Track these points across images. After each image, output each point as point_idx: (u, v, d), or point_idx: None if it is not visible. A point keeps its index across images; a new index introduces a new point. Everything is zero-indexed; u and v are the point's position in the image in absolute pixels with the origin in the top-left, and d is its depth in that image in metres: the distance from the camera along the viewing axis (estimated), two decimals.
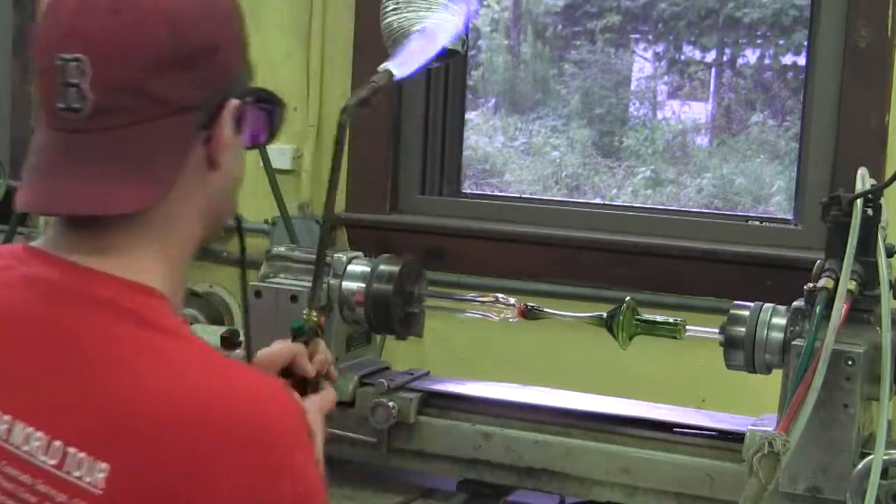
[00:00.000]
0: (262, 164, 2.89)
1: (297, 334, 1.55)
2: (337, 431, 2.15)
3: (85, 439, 1.12)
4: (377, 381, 2.11)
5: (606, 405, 2.09)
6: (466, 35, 2.34)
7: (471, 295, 2.19)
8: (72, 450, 1.12)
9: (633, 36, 3.54)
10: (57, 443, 1.13)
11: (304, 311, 1.57)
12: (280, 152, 2.94)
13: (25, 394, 1.16)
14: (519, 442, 2.03)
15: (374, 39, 2.46)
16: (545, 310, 2.08)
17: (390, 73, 1.68)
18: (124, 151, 1.19)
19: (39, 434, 1.14)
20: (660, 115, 3.65)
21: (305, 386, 1.52)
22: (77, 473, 1.11)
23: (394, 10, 2.24)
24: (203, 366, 1.17)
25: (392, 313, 2.12)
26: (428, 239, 2.81)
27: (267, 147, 3.10)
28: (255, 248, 2.98)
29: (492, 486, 2.08)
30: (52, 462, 1.13)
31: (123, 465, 1.11)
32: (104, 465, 1.11)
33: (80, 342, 1.16)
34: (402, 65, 1.70)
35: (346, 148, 1.46)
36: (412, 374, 2.20)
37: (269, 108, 1.32)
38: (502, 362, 2.67)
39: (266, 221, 2.99)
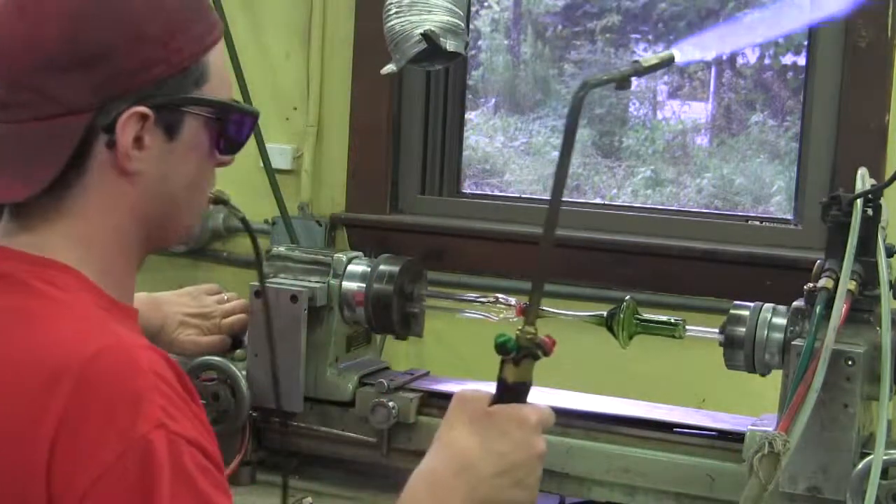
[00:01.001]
0: (262, 164, 2.89)
1: (503, 350, 1.34)
2: (337, 431, 2.15)
3: None
4: (377, 381, 2.11)
5: (606, 405, 2.09)
6: (467, 35, 2.34)
7: (471, 295, 2.20)
8: None
9: (633, 36, 3.54)
10: None
11: (519, 328, 1.34)
12: (280, 152, 2.94)
13: None
14: None
15: (374, 40, 2.47)
16: (545, 309, 2.08)
17: (671, 57, 1.43)
18: (9, 146, 1.22)
19: None
20: (660, 115, 3.65)
21: (503, 392, 1.33)
22: None
23: (396, 13, 2.25)
24: (64, 322, 1.19)
25: (392, 313, 2.12)
26: (428, 239, 2.81)
27: (266, 147, 3.12)
28: None
29: None
30: None
31: None
32: None
33: None
34: (699, 47, 1.48)
35: (575, 133, 1.31)
36: (412, 374, 2.20)
37: (216, 116, 1.31)
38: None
39: (266, 221, 2.98)
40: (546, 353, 1.35)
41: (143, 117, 1.24)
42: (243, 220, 1.71)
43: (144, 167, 1.26)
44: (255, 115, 1.37)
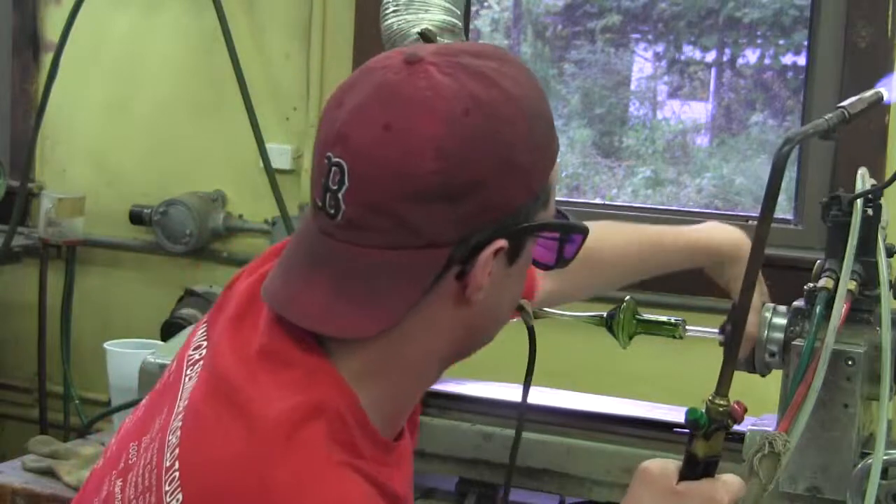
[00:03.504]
0: (262, 164, 2.89)
1: (695, 427, 1.27)
2: None
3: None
4: None
5: (606, 405, 2.09)
6: (466, 35, 2.34)
7: None
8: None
9: (633, 36, 3.54)
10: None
11: (710, 398, 1.30)
12: (280, 152, 2.95)
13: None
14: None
15: (374, 40, 2.47)
16: (545, 309, 2.08)
17: (880, 95, 1.39)
18: (363, 274, 1.14)
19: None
20: (660, 115, 3.65)
21: (692, 467, 1.26)
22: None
23: (394, 11, 2.25)
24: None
25: None
26: None
27: (266, 147, 3.13)
28: (254, 248, 2.99)
29: (492, 486, 2.08)
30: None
31: None
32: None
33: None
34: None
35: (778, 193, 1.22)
36: None
37: (558, 236, 1.25)
38: (502, 362, 2.66)
39: (266, 221, 2.99)
40: (737, 423, 1.29)
41: (500, 250, 1.16)
42: (530, 330, 1.60)
43: (484, 295, 1.19)
44: (586, 232, 1.27)
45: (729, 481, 1.27)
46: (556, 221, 1.23)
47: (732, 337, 1.31)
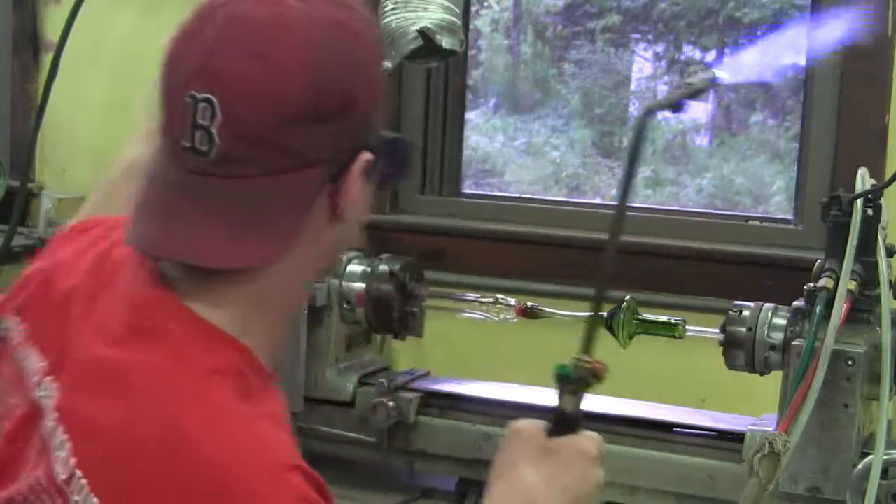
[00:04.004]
0: None
1: (563, 380, 1.37)
2: (337, 431, 2.15)
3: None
4: (377, 381, 2.12)
5: (606, 405, 2.09)
6: (465, 34, 2.34)
7: (471, 295, 2.20)
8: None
9: (633, 36, 3.54)
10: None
11: (575, 356, 1.39)
12: None
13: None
14: None
15: None
16: (545, 309, 2.08)
17: (713, 77, 1.47)
18: (248, 203, 1.15)
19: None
20: (660, 115, 3.64)
21: (560, 423, 1.35)
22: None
23: (392, 10, 2.24)
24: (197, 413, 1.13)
25: (392, 313, 2.12)
26: (428, 239, 2.81)
27: None
28: None
29: None
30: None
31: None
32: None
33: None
34: (730, 69, 1.52)
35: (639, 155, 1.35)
36: (412, 374, 2.20)
37: (397, 147, 1.27)
38: (502, 362, 2.66)
39: None
40: (600, 380, 1.38)
41: (367, 162, 1.20)
42: None
43: (349, 212, 1.22)
44: (412, 144, 1.32)
45: (591, 434, 1.36)
46: (399, 135, 1.28)
47: (596, 299, 1.46)
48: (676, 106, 1.45)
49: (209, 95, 1.13)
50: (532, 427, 1.33)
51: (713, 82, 1.46)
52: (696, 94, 1.44)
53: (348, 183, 1.19)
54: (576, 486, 1.34)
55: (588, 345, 1.40)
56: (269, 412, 1.18)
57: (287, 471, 1.12)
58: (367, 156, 1.19)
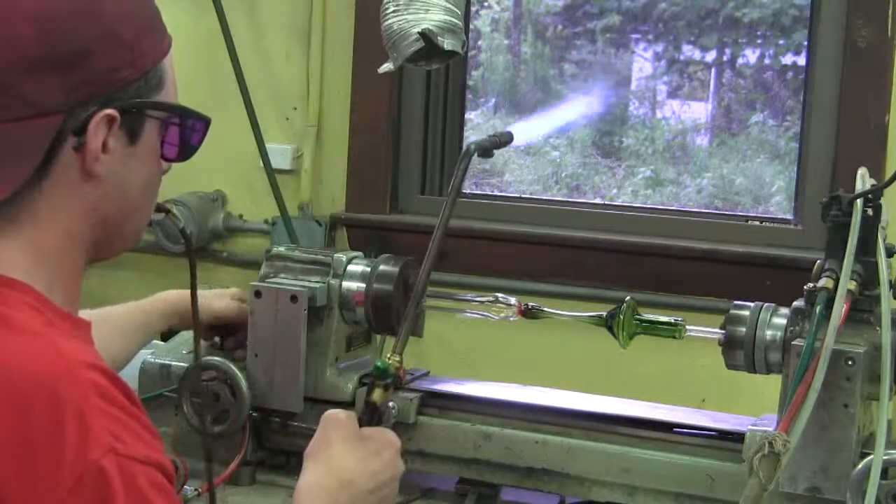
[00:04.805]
0: (262, 164, 2.89)
1: (380, 376, 1.56)
2: None
3: None
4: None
5: (606, 405, 2.09)
6: (466, 35, 2.34)
7: (471, 295, 2.19)
8: None
9: (633, 36, 3.54)
10: None
11: (389, 356, 1.59)
12: (280, 152, 2.95)
13: None
14: (519, 442, 2.03)
15: (374, 39, 2.47)
16: (545, 309, 2.08)
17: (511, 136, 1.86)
18: None
19: None
20: (660, 115, 3.65)
21: (372, 414, 1.55)
22: None
23: (394, 11, 2.24)
24: (8, 344, 1.17)
25: (392, 313, 2.12)
26: (428, 239, 2.80)
27: (266, 147, 3.13)
28: (255, 248, 2.99)
29: (492, 486, 2.08)
30: None
31: None
32: None
33: None
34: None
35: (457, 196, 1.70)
36: (412, 374, 2.20)
37: (178, 122, 1.33)
38: (502, 362, 2.67)
39: (266, 221, 2.99)
40: (399, 386, 1.61)
41: (111, 120, 1.24)
42: (182, 231, 1.73)
43: (106, 171, 1.26)
44: (208, 122, 1.38)
45: (391, 430, 1.56)
46: (168, 102, 1.32)
47: (412, 302, 1.65)
48: (490, 152, 1.80)
49: None
50: (346, 415, 1.50)
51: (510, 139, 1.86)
52: (503, 145, 1.84)
53: (88, 137, 1.23)
54: (383, 472, 1.50)
55: (401, 346, 1.60)
56: (71, 334, 1.23)
57: (85, 367, 1.17)
58: (109, 112, 1.23)
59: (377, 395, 1.58)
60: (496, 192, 3.24)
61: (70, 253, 1.28)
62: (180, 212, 3.04)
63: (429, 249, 1.72)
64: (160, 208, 1.47)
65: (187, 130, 1.35)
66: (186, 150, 1.37)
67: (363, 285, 2.12)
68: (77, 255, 1.30)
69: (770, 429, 1.70)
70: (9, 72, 1.19)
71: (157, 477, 1.15)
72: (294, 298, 2.09)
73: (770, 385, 1.91)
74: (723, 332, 1.93)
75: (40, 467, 1.10)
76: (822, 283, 1.80)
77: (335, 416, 1.50)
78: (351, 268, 2.15)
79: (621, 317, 1.99)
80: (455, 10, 2.24)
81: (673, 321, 2.00)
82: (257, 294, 2.11)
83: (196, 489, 1.97)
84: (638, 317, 2.00)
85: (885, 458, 1.70)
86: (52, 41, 1.20)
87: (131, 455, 1.13)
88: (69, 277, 1.29)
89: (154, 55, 1.29)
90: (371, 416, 1.55)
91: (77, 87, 1.21)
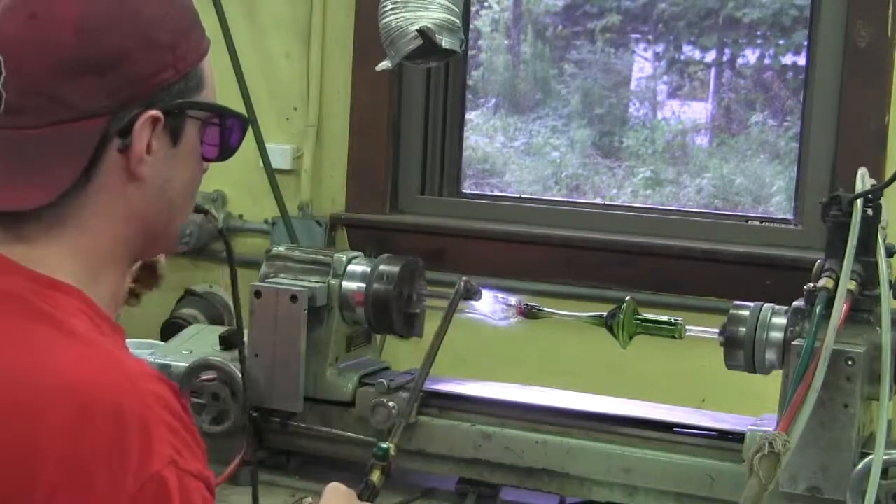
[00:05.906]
0: (262, 164, 2.89)
1: (381, 458, 1.74)
2: (337, 431, 2.15)
3: None
4: (377, 381, 2.11)
5: (606, 405, 2.09)
6: (465, 34, 2.34)
7: None
8: None
9: (633, 36, 3.54)
10: None
11: (391, 440, 1.77)
12: (280, 152, 2.94)
13: None
14: (519, 442, 2.03)
15: (374, 39, 2.47)
16: (545, 309, 2.08)
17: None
18: (24, 152, 1.22)
19: None
20: (660, 115, 3.64)
21: (370, 492, 1.72)
22: None
23: (392, 9, 2.24)
24: (68, 350, 1.17)
25: (392, 313, 2.12)
26: (428, 239, 2.81)
27: (266, 147, 3.13)
28: (255, 248, 2.99)
29: (492, 486, 2.08)
30: None
31: None
32: None
33: None
34: None
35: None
36: (412, 374, 2.20)
37: (218, 122, 1.34)
38: (502, 362, 2.66)
39: (266, 221, 2.98)
40: (389, 470, 1.76)
41: (155, 121, 1.25)
42: (221, 231, 1.75)
43: (151, 172, 1.27)
44: (247, 122, 1.40)
45: None
46: (209, 102, 1.32)
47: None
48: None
49: None
50: (346, 489, 1.58)
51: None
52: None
53: (134, 139, 1.24)
54: None
55: (394, 437, 1.81)
56: (120, 343, 1.25)
57: (146, 378, 1.17)
58: (152, 114, 1.24)
59: (376, 476, 1.74)
60: (496, 192, 3.24)
61: (115, 257, 1.29)
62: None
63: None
64: (198, 209, 1.49)
65: (227, 131, 1.36)
66: (226, 151, 1.38)
67: (363, 285, 2.12)
68: (122, 259, 1.30)
69: (770, 429, 1.70)
70: (49, 76, 1.21)
71: (206, 493, 1.16)
72: (294, 298, 2.09)
73: (770, 385, 1.91)
74: (723, 332, 1.93)
75: (99, 478, 1.10)
76: (822, 283, 1.80)
77: (337, 488, 1.57)
78: (351, 268, 2.15)
79: (621, 317, 1.99)
80: (454, 8, 2.24)
81: (673, 321, 2.00)
82: (257, 294, 2.11)
83: None
84: (638, 317, 2.00)
85: (885, 458, 1.70)
86: (90, 46, 1.21)
87: (189, 469, 1.14)
88: (114, 282, 1.30)
89: (193, 57, 1.30)
90: (369, 494, 1.72)
91: (117, 89, 1.22)
